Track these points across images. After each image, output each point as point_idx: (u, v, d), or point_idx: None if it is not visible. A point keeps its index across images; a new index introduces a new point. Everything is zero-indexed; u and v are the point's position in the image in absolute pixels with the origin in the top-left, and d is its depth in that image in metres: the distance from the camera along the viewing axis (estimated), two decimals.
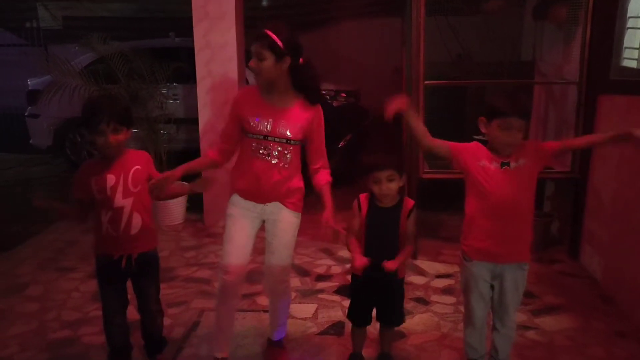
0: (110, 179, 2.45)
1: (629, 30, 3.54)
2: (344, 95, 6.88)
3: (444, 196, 4.77)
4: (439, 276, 3.82)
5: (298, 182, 2.62)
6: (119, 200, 2.46)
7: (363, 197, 2.56)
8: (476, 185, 2.36)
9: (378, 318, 2.68)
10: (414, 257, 4.08)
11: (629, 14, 3.53)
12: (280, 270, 2.66)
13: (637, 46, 3.42)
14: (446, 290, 3.61)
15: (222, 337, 2.76)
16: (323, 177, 2.61)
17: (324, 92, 6.42)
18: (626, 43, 3.56)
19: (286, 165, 2.53)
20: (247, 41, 4.88)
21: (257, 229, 2.65)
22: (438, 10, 3.99)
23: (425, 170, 4.03)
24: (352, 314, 2.71)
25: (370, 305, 2.66)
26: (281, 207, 2.60)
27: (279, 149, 2.50)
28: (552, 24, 4.56)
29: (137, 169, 2.51)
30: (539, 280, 3.68)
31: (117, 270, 2.54)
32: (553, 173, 4.04)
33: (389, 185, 2.44)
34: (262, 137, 2.48)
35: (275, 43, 2.37)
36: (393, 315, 2.67)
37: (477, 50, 5.38)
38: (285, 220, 2.61)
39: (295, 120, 2.50)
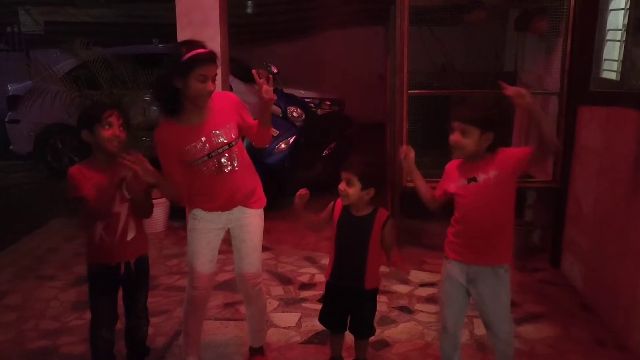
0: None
1: (608, 42, 3.60)
2: (328, 103, 6.91)
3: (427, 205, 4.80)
4: (422, 285, 3.83)
5: (254, 179, 2.66)
6: (116, 206, 2.47)
7: (339, 201, 2.58)
8: (455, 200, 2.44)
9: (349, 329, 2.69)
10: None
11: (608, 27, 3.59)
12: (252, 273, 2.68)
13: (617, 58, 3.48)
14: (430, 299, 3.62)
15: (191, 342, 2.78)
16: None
17: (308, 100, 6.45)
18: (606, 55, 3.63)
19: (236, 166, 2.53)
20: (232, 49, 4.88)
21: (220, 239, 2.66)
22: (422, 21, 4.03)
23: (408, 178, 4.05)
24: (322, 318, 2.72)
25: (341, 312, 2.66)
26: (245, 211, 2.62)
27: (227, 155, 2.50)
28: (533, 36, 4.63)
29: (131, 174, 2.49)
30: (520, 289, 3.70)
31: (113, 278, 2.54)
32: (534, 182, 4.09)
33: (346, 187, 2.45)
34: (206, 157, 2.47)
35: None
36: (361, 328, 2.68)
37: (460, 61, 5.44)
38: (252, 223, 2.64)
39: (222, 124, 2.49)
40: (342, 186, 2.47)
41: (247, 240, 2.64)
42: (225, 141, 2.48)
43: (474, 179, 2.34)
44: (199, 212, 2.59)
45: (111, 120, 2.43)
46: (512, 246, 2.41)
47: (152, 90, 2.53)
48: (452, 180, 2.43)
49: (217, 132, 2.47)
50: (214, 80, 2.40)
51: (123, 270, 2.54)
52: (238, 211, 2.60)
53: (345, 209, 2.55)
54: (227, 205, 2.57)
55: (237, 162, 2.53)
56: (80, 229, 2.61)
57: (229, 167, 2.51)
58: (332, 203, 2.61)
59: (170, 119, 2.47)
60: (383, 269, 4.11)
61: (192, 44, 2.39)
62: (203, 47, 2.38)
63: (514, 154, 2.32)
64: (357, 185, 2.44)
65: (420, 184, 2.55)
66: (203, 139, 2.44)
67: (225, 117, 2.51)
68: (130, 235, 2.54)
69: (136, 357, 2.78)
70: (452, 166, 2.47)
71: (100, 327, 2.57)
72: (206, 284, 2.66)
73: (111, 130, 2.43)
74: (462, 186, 2.38)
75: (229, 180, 2.52)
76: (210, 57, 2.38)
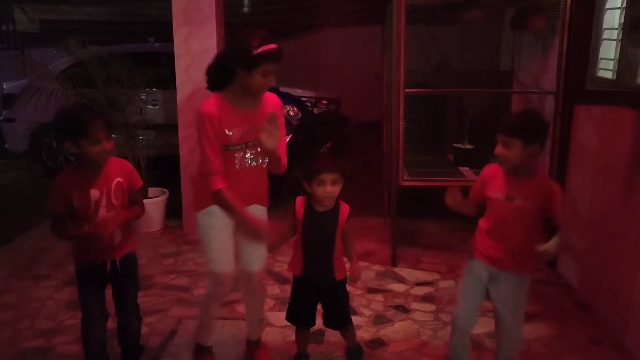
0: (94, 193, 2.43)
1: (604, 41, 3.60)
2: (324, 102, 6.90)
3: (423, 204, 4.79)
4: (418, 284, 3.83)
5: (267, 180, 2.69)
6: (103, 214, 2.45)
7: (299, 200, 2.61)
8: (488, 206, 2.42)
9: (324, 323, 2.78)
10: (394, 264, 4.09)
11: (604, 26, 3.59)
12: (259, 269, 2.72)
13: (613, 57, 3.48)
14: (426, 298, 3.62)
15: (210, 330, 2.85)
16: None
17: (304, 99, 6.43)
18: (602, 54, 3.62)
19: (264, 165, 2.58)
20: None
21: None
22: (418, 19, 4.02)
23: (405, 178, 4.04)
24: (291, 314, 2.78)
25: (311, 306, 2.73)
26: (257, 208, 2.64)
27: (259, 150, 2.50)
28: (530, 34, 4.62)
29: (119, 181, 2.49)
30: None
31: (99, 275, 2.53)
32: None
33: (333, 188, 2.49)
34: (244, 145, 2.48)
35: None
36: (339, 319, 2.76)
37: (457, 60, 5.44)
38: (262, 218, 2.64)
39: (266, 118, 2.48)
40: (330, 189, 2.47)
41: None
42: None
43: (511, 199, 2.33)
44: (215, 209, 2.52)
45: (99, 136, 2.33)
46: (534, 260, 2.41)
47: (208, 67, 2.49)
48: (493, 188, 2.40)
49: (259, 126, 2.44)
50: (272, 75, 2.40)
51: (109, 268, 2.53)
52: (252, 208, 2.60)
53: (308, 206, 2.59)
54: (247, 199, 2.55)
55: (265, 160, 2.56)
56: (57, 239, 2.60)
57: (260, 162, 2.54)
58: (292, 205, 2.63)
59: (221, 94, 2.45)
60: (378, 267, 4.11)
61: (261, 36, 2.35)
62: (270, 40, 2.35)
63: (556, 199, 2.26)
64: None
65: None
66: (248, 126, 2.46)
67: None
68: (116, 241, 2.51)
69: (130, 356, 2.77)
70: (496, 171, 2.42)
71: (91, 325, 2.56)
72: (230, 277, 2.66)
73: (100, 146, 2.35)
74: (498, 198, 2.37)
75: (255, 174, 2.56)
76: (279, 54, 2.37)
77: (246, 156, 2.50)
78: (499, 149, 2.30)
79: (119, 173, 2.50)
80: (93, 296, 2.56)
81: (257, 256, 2.70)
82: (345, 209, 2.60)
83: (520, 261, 2.40)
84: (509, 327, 2.49)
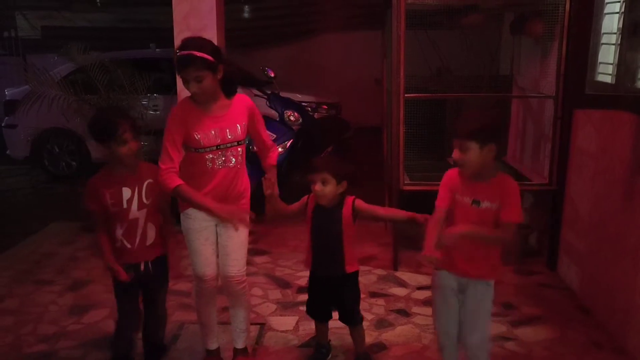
0: (126, 191, 2.53)
1: (603, 45, 3.62)
2: (325, 107, 6.91)
3: (424, 208, 4.80)
4: (420, 288, 3.83)
5: (246, 180, 2.72)
6: (134, 212, 2.54)
7: (312, 195, 2.69)
8: (451, 210, 2.37)
9: (339, 318, 2.83)
10: (395, 268, 4.10)
11: (603, 30, 3.61)
12: (238, 270, 2.73)
13: (612, 61, 3.49)
14: (427, 302, 3.62)
15: (209, 332, 2.87)
16: (274, 156, 2.79)
17: (305, 104, 6.45)
18: (601, 58, 3.64)
19: (237, 164, 2.63)
20: (229, 53, 4.88)
21: (216, 234, 2.72)
22: (418, 24, 4.04)
23: (406, 182, 4.06)
24: (308, 308, 2.87)
25: (325, 301, 2.79)
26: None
27: (233, 152, 2.58)
28: (529, 39, 4.64)
29: (151, 182, 2.58)
30: (517, 292, 3.71)
31: (134, 276, 2.60)
32: (530, 185, 4.10)
33: (321, 187, 2.57)
34: (214, 147, 2.54)
35: (207, 60, 2.40)
36: (348, 314, 2.80)
37: (457, 64, 5.46)
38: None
39: (237, 120, 2.58)
40: (317, 187, 2.57)
41: (233, 237, 2.67)
42: (235, 138, 2.57)
43: (478, 203, 2.29)
44: (192, 212, 2.63)
45: (126, 137, 2.47)
46: (500, 265, 2.42)
47: None
48: (458, 192, 2.35)
49: (231, 127, 2.56)
50: (198, 81, 2.42)
51: (143, 268, 2.61)
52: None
53: (318, 202, 2.67)
54: (221, 200, 2.58)
55: (239, 161, 2.63)
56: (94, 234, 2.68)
57: (232, 163, 2.59)
58: (305, 197, 2.71)
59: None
60: (380, 271, 4.12)
61: (182, 45, 2.45)
62: (186, 48, 2.42)
63: (511, 198, 2.26)
64: (332, 182, 2.56)
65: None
66: (217, 129, 2.52)
67: (240, 116, 2.60)
68: (149, 240, 2.62)
69: (152, 356, 2.83)
70: (455, 175, 2.38)
71: (125, 327, 2.67)
72: (211, 276, 2.73)
73: (127, 147, 2.48)
74: (464, 203, 2.33)
75: (228, 175, 2.60)
76: (183, 62, 2.41)
77: (215, 158, 2.55)
78: (456, 154, 2.28)
79: (151, 175, 2.59)
80: (128, 298, 2.66)
81: (232, 259, 2.70)
82: (348, 202, 2.64)
83: (488, 267, 2.37)
84: (468, 330, 2.42)
